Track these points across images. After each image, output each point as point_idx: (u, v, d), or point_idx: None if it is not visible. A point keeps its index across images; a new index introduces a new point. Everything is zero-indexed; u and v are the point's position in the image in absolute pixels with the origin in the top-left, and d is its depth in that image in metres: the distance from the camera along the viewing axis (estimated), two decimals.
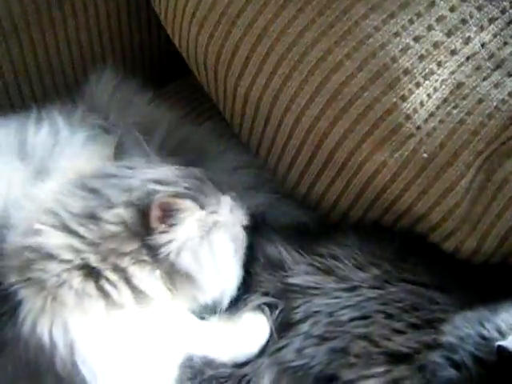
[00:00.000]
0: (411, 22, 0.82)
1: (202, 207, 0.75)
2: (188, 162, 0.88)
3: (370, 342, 0.74)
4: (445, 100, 0.82)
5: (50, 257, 0.70)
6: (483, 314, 0.73)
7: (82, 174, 0.78)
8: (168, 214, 0.71)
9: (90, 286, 0.70)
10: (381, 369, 0.72)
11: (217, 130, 1.00)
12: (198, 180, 0.78)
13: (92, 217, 0.71)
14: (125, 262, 0.70)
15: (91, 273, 0.70)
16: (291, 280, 0.80)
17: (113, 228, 0.71)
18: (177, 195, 0.73)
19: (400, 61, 0.81)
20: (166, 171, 0.78)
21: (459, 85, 0.83)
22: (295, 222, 0.90)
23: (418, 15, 0.82)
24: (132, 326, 0.71)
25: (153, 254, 0.71)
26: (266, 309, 0.79)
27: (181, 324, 0.75)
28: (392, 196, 0.85)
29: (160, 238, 0.71)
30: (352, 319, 0.76)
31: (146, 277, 0.71)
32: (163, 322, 0.73)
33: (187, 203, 0.73)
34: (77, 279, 0.69)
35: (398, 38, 0.82)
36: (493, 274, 0.83)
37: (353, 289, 0.79)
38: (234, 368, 0.75)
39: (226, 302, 0.78)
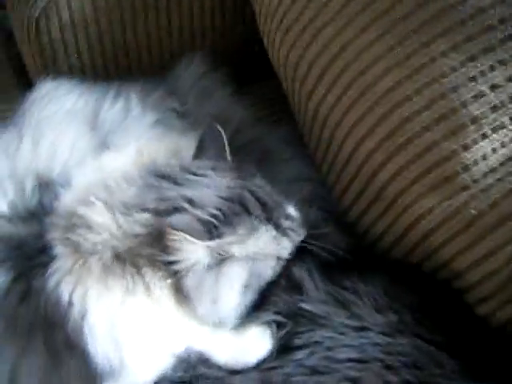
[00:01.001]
0: (492, 68, 0.81)
1: (218, 237, 0.78)
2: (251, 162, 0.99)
3: None
4: (510, 158, 0.83)
5: (91, 229, 0.79)
6: None
7: (146, 159, 0.87)
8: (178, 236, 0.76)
9: (117, 266, 0.79)
10: None
11: (289, 136, 1.05)
12: (240, 202, 0.81)
13: (133, 210, 0.80)
14: (141, 262, 0.78)
15: (119, 257, 0.79)
16: (304, 305, 0.83)
17: (138, 229, 0.78)
18: (191, 223, 0.77)
19: (470, 107, 0.81)
20: (213, 188, 0.82)
21: None
22: (332, 247, 0.96)
23: (501, 63, 0.81)
24: (141, 313, 0.79)
25: (166, 265, 0.78)
26: (274, 326, 0.83)
27: (184, 322, 0.81)
28: (433, 245, 0.86)
29: (170, 256, 0.77)
30: (349, 360, 0.78)
31: (157, 281, 0.78)
32: (170, 313, 0.80)
33: (184, 238, 0.76)
34: (107, 254, 0.78)
35: (473, 83, 0.81)
36: None
37: (362, 329, 0.81)
38: (225, 373, 0.81)
39: (227, 327, 0.83)
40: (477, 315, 0.86)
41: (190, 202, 0.80)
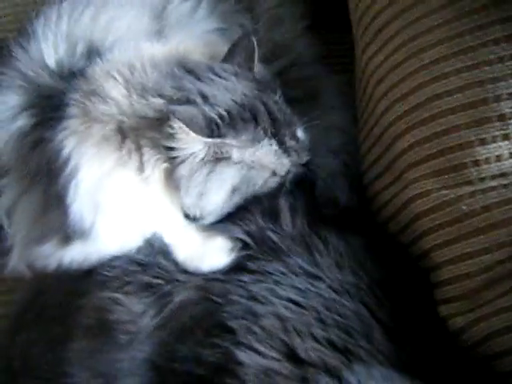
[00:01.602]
0: None
1: (218, 136, 0.84)
2: (295, 98, 1.04)
3: (283, 327, 0.80)
4: None
5: (104, 99, 0.87)
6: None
7: (181, 54, 0.94)
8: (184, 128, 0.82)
9: (116, 138, 0.86)
10: (276, 354, 0.79)
11: (343, 85, 1.07)
12: (251, 110, 0.87)
13: (149, 93, 0.87)
14: (143, 142, 0.85)
15: (121, 132, 0.86)
16: (272, 235, 0.87)
17: (149, 112, 0.85)
18: (196, 117, 0.83)
19: (502, 103, 0.79)
20: (230, 91, 0.88)
21: None
22: (339, 201, 0.97)
23: None
24: (125, 187, 0.87)
25: (166, 150, 0.85)
26: (239, 244, 0.89)
27: (164, 208, 0.90)
28: (420, 230, 0.86)
29: (171, 142, 0.84)
30: (288, 299, 0.82)
31: (153, 162, 0.85)
32: (152, 196, 0.88)
33: (184, 129, 0.82)
34: (111, 126, 0.86)
35: None
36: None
37: (315, 277, 0.84)
38: (176, 269, 0.88)
39: (206, 222, 0.91)
40: (438, 315, 0.85)
41: (204, 97, 0.86)
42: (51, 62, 0.96)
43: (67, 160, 0.87)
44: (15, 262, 0.97)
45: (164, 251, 0.90)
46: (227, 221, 0.91)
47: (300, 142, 0.92)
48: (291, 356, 0.78)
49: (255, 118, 0.88)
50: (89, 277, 0.91)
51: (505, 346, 0.79)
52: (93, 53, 0.96)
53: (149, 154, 0.86)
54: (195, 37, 1.00)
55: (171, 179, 0.87)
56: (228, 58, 0.94)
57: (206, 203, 0.89)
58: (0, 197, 0.98)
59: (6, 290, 1.08)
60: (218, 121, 0.85)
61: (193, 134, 0.82)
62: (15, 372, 0.94)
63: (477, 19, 0.82)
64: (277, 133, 0.89)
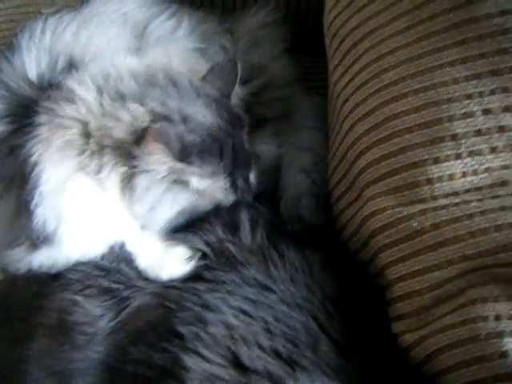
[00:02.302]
0: (492, 92, 0.80)
1: (186, 162, 0.86)
2: (269, 118, 1.06)
3: (230, 335, 0.82)
4: (478, 189, 0.80)
5: (73, 102, 0.91)
6: None
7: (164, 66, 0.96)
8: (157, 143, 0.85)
9: (79, 142, 0.89)
10: (221, 361, 0.80)
11: (318, 107, 1.10)
12: (220, 145, 0.90)
13: (128, 98, 0.90)
14: (107, 142, 0.87)
15: (86, 135, 0.89)
16: (230, 247, 0.90)
17: (125, 116, 0.88)
18: (173, 139, 0.85)
19: (455, 123, 0.81)
20: (208, 118, 0.90)
21: (503, 183, 0.80)
22: (304, 219, 1.00)
23: (504, 90, 0.79)
24: (85, 192, 0.89)
25: (129, 156, 0.87)
26: (198, 254, 0.91)
27: (122, 215, 0.92)
28: (375, 247, 0.88)
29: (138, 152, 0.86)
30: (239, 309, 0.83)
31: (111, 164, 0.88)
32: (111, 202, 0.90)
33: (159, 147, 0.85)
34: (75, 130, 0.89)
35: (468, 101, 0.81)
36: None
37: (268, 289, 0.85)
38: (136, 276, 0.90)
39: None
40: (390, 333, 0.86)
41: (184, 118, 0.89)
42: (32, 74, 1.00)
43: (34, 166, 0.91)
44: None
45: (126, 258, 0.93)
46: (187, 231, 0.94)
47: (249, 185, 0.96)
48: (236, 363, 0.80)
49: (221, 154, 0.91)
50: (54, 280, 0.93)
51: (448, 363, 0.79)
52: (73, 67, 1.00)
53: (109, 156, 0.88)
54: (174, 53, 1.04)
55: (127, 184, 0.89)
56: (209, 77, 0.96)
57: (154, 217, 0.91)
58: None
59: None
60: (191, 148, 0.87)
61: (164, 155, 0.86)
62: None
63: (436, 41, 0.85)
64: (233, 173, 0.92)
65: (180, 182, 0.90)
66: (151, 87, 0.92)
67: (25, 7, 1.32)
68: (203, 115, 0.91)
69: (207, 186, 0.92)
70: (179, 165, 0.87)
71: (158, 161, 0.87)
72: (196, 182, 0.90)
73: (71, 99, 0.92)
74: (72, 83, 0.94)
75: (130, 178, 0.89)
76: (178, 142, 0.86)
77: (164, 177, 0.89)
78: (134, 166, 0.88)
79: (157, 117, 0.89)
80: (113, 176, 0.89)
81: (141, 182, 0.89)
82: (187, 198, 0.92)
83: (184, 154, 0.86)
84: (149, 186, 0.89)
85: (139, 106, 0.89)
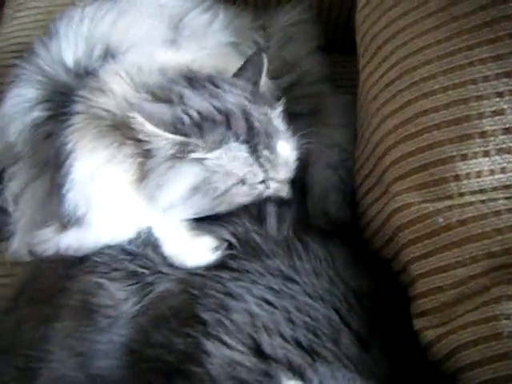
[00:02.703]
0: None
1: (183, 134, 0.86)
2: (299, 114, 1.08)
3: (252, 323, 0.82)
4: (506, 187, 0.80)
5: (106, 93, 0.93)
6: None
7: (193, 66, 0.98)
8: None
9: (110, 134, 0.91)
10: (242, 348, 0.81)
11: (347, 105, 1.10)
12: (226, 114, 0.89)
13: (143, 90, 0.92)
14: (128, 135, 0.89)
15: (115, 127, 0.91)
16: (256, 237, 0.91)
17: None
18: (163, 114, 0.87)
19: (484, 121, 0.81)
20: (213, 96, 0.90)
21: None
22: (330, 214, 1.00)
23: None
24: (114, 181, 0.91)
25: (139, 143, 0.89)
26: (225, 244, 0.92)
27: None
28: (400, 243, 0.88)
29: (140, 136, 0.87)
30: (261, 298, 0.84)
31: (131, 155, 0.90)
32: (135, 190, 0.91)
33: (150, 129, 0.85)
34: (107, 122, 0.91)
35: (497, 99, 0.81)
36: None
37: (291, 280, 0.86)
38: (161, 262, 0.92)
39: (170, 217, 0.94)
40: (411, 329, 0.86)
41: (181, 97, 0.89)
42: (69, 60, 1.03)
43: (69, 153, 0.93)
44: (16, 247, 1.03)
45: (153, 244, 0.95)
46: (215, 222, 0.95)
47: (279, 155, 0.92)
48: (257, 350, 0.81)
49: (228, 122, 0.89)
50: (80, 262, 0.95)
51: (470, 360, 0.79)
52: (109, 55, 1.02)
53: (129, 148, 0.90)
54: (208, 48, 1.06)
55: (142, 172, 0.91)
56: (238, 73, 0.98)
57: (163, 195, 0.91)
58: (10, 182, 1.04)
59: (5, 274, 1.12)
60: (185, 119, 0.87)
61: (153, 129, 0.85)
62: (2, 348, 0.98)
63: (467, 39, 0.85)
64: (250, 140, 0.90)
65: (183, 157, 0.89)
66: (165, 79, 0.94)
67: None
68: (208, 95, 0.91)
69: (217, 157, 0.89)
70: (177, 138, 0.87)
71: (153, 137, 0.87)
72: (201, 154, 0.88)
73: (104, 90, 0.94)
74: (106, 74, 0.96)
75: (143, 165, 0.90)
76: (168, 115, 0.87)
77: (166, 154, 0.88)
78: (145, 152, 0.89)
79: (156, 101, 0.90)
80: (133, 167, 0.91)
81: (149, 165, 0.89)
82: (195, 174, 0.90)
83: (175, 125, 0.87)
84: (155, 166, 0.89)
85: (147, 95, 0.91)
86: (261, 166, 0.91)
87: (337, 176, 1.04)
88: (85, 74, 1.01)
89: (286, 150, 0.93)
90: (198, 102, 0.89)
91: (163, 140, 0.87)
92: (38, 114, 1.01)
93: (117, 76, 0.95)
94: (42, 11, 1.35)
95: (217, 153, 0.89)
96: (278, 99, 0.98)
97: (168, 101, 0.89)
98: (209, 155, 0.88)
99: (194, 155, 0.88)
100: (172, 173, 0.89)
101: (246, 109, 0.90)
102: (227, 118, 0.89)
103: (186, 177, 0.89)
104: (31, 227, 1.01)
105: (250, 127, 0.90)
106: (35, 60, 1.04)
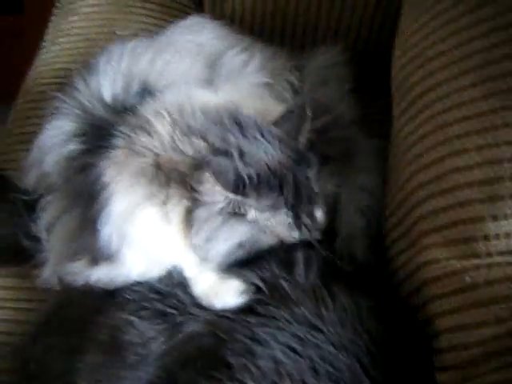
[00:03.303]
0: None
1: (242, 194, 0.90)
2: (330, 157, 1.09)
3: (277, 370, 0.84)
4: None
5: (149, 133, 0.96)
6: None
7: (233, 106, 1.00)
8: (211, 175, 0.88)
9: (151, 172, 0.94)
10: None
11: (378, 149, 1.11)
12: (279, 179, 0.92)
13: (194, 134, 0.94)
14: (174, 175, 0.92)
15: (157, 166, 0.93)
16: (285, 284, 0.92)
17: (189, 150, 0.93)
18: (227, 171, 0.89)
19: None
20: (268, 155, 0.93)
21: None
22: (356, 259, 1.01)
23: None
24: (151, 218, 0.94)
25: (191, 189, 0.91)
26: (252, 288, 0.94)
27: (183, 244, 0.95)
28: (428, 295, 0.90)
29: (198, 185, 0.90)
30: (286, 345, 0.86)
31: (177, 197, 0.92)
32: (172, 231, 0.94)
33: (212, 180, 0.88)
34: (149, 160, 0.94)
35: None
36: None
37: (317, 329, 0.88)
38: (190, 302, 0.94)
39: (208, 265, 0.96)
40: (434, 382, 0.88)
41: (241, 153, 0.92)
42: (107, 95, 1.06)
43: (105, 187, 0.96)
44: (48, 275, 1.07)
45: (183, 284, 0.97)
46: (244, 266, 0.97)
47: (315, 221, 0.98)
48: None
49: (281, 187, 0.93)
50: (110, 297, 0.98)
51: None
52: (146, 92, 1.05)
53: (175, 189, 0.93)
54: (244, 89, 1.08)
55: (188, 218, 0.93)
56: (280, 121, 1.00)
57: (211, 248, 0.94)
58: (44, 212, 1.07)
59: (35, 298, 1.16)
60: (246, 180, 0.91)
61: (219, 187, 0.89)
62: (30, 374, 1.02)
63: (503, 100, 0.87)
64: (296, 207, 0.95)
65: (237, 215, 0.93)
66: (216, 124, 0.96)
67: (101, 27, 1.39)
68: (263, 153, 0.94)
69: (267, 220, 0.94)
70: (236, 197, 0.91)
71: (214, 193, 0.90)
72: (254, 214, 0.93)
73: (147, 130, 0.97)
74: (149, 114, 0.99)
75: (191, 211, 0.93)
76: (232, 174, 0.90)
77: (221, 209, 0.92)
78: (195, 199, 0.92)
79: (216, 152, 0.93)
80: (177, 209, 0.94)
81: (199, 214, 0.92)
82: (246, 232, 0.94)
83: (239, 186, 0.90)
84: (207, 218, 0.93)
85: (202, 141, 0.94)
86: (300, 230, 0.96)
87: (364, 220, 1.06)
88: (122, 110, 1.04)
89: (321, 215, 0.99)
90: (255, 160, 0.93)
91: (223, 197, 0.90)
92: (74, 146, 1.05)
93: (159, 116, 0.98)
94: (83, 39, 1.39)
95: (267, 215, 0.94)
96: (312, 142, 1.00)
97: (227, 153, 0.92)
98: (260, 216, 0.93)
99: (248, 215, 0.93)
100: (224, 229, 0.93)
101: (294, 173, 0.94)
102: (280, 183, 0.93)
103: (235, 234, 0.94)
104: (62, 258, 1.04)
105: (297, 194, 0.94)
106: (75, 94, 1.08)
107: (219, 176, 0.89)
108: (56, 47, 1.41)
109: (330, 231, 1.03)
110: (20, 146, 1.29)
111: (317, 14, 1.29)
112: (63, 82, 1.28)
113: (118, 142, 0.98)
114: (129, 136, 0.98)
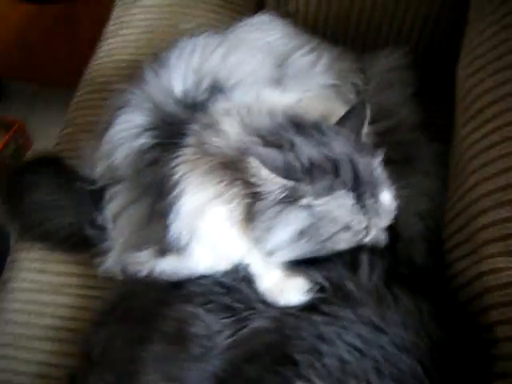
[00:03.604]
0: None
1: (295, 180, 0.90)
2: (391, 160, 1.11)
3: (342, 369, 0.87)
4: None
5: (218, 133, 0.98)
6: None
7: (299, 108, 1.03)
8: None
9: (219, 172, 0.95)
10: None
11: (439, 154, 1.15)
12: (334, 162, 0.92)
13: (253, 133, 0.97)
14: (237, 175, 0.93)
15: (225, 166, 0.95)
16: (350, 285, 0.95)
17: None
18: (276, 159, 0.91)
19: None
20: (322, 145, 0.94)
21: None
22: (416, 262, 1.05)
23: None
24: (218, 216, 0.96)
25: (249, 185, 0.93)
26: (316, 287, 0.96)
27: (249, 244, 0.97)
28: (488, 303, 0.93)
29: (252, 178, 0.91)
30: (351, 345, 0.89)
31: (240, 196, 0.94)
32: (237, 228, 0.96)
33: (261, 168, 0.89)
34: (217, 160, 0.96)
35: None
36: None
37: (380, 330, 0.90)
38: (255, 298, 0.97)
39: (276, 259, 0.98)
40: None
41: (292, 145, 0.93)
42: (178, 90, 1.09)
43: (176, 184, 0.99)
44: (110, 263, 1.11)
45: (248, 279, 1.00)
46: (310, 265, 1.00)
47: (382, 203, 0.96)
48: None
49: (336, 170, 0.93)
50: (175, 289, 1.02)
51: None
52: (216, 89, 1.08)
53: (238, 187, 0.95)
54: (311, 90, 1.11)
55: (250, 214, 0.95)
56: (341, 122, 1.01)
57: (271, 239, 0.95)
58: (110, 202, 1.11)
59: (95, 286, 1.21)
60: (297, 165, 0.92)
61: (268, 173, 0.90)
62: (93, 360, 1.07)
63: None
64: (356, 188, 0.94)
65: (293, 202, 0.93)
66: (274, 123, 0.99)
67: (164, 20, 1.42)
68: (317, 144, 0.95)
69: (325, 204, 0.93)
70: (288, 183, 0.91)
71: (266, 181, 0.91)
72: (310, 199, 0.93)
73: (217, 130, 0.99)
74: (219, 113, 1.02)
75: (251, 206, 0.95)
76: (281, 160, 0.92)
77: (276, 198, 0.93)
78: (254, 194, 0.94)
79: (266, 144, 0.95)
80: (240, 207, 0.96)
81: (258, 207, 0.94)
82: (304, 218, 0.94)
83: (288, 170, 0.91)
84: (265, 209, 0.94)
85: (255, 138, 0.96)
86: (365, 213, 0.95)
87: (423, 224, 1.09)
88: (192, 106, 1.08)
89: (388, 198, 0.97)
90: (307, 150, 0.93)
91: (275, 184, 0.91)
92: (144, 140, 1.08)
93: (228, 115, 1.00)
94: (144, 31, 1.42)
95: (325, 199, 0.93)
96: (375, 144, 1.02)
97: (279, 146, 0.94)
98: (317, 201, 0.93)
99: (303, 201, 0.92)
100: (281, 217, 0.93)
101: (352, 158, 0.94)
102: (335, 166, 0.93)
103: (294, 221, 0.94)
104: (127, 248, 1.08)
105: (356, 176, 0.93)
106: (145, 87, 1.11)
107: (266, 162, 0.90)
108: (118, 39, 1.45)
109: (390, 234, 1.06)
110: (82, 136, 1.34)
111: (381, 15, 1.31)
112: (126, 74, 1.31)
113: (190, 140, 1.01)
114: (199, 134, 1.00)
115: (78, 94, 1.45)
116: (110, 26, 1.49)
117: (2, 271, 1.94)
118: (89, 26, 2.01)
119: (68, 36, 2.15)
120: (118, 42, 1.44)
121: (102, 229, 1.13)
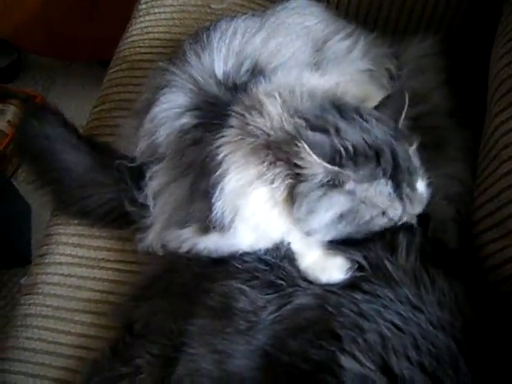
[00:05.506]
0: None
1: (339, 165, 0.97)
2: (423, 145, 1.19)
3: (383, 344, 0.96)
4: None
5: (262, 115, 1.04)
6: None
7: (337, 91, 1.10)
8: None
9: (262, 152, 1.02)
10: (372, 366, 0.95)
11: (470, 140, 1.22)
12: (376, 150, 1.00)
13: (297, 114, 1.03)
14: (280, 155, 1.00)
15: (267, 147, 1.02)
16: (388, 265, 1.04)
17: (292, 130, 1.01)
18: (323, 144, 0.98)
19: None
20: (364, 131, 1.01)
21: None
22: (448, 244, 1.12)
23: None
24: (261, 195, 1.03)
25: (294, 166, 1.00)
26: (356, 265, 1.05)
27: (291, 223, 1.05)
28: None
29: (298, 160, 0.98)
30: (391, 322, 0.98)
31: (282, 176, 1.01)
32: (279, 207, 1.04)
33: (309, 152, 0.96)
34: (260, 141, 1.03)
35: None
36: None
37: (417, 309, 0.99)
38: (297, 275, 1.06)
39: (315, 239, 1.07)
40: None
41: (337, 130, 1.01)
42: (219, 72, 1.16)
43: (219, 164, 1.06)
44: (151, 240, 1.18)
45: (290, 257, 1.09)
46: (350, 245, 1.09)
47: (417, 192, 1.04)
48: (386, 370, 0.95)
49: (378, 158, 1.01)
50: (218, 265, 1.11)
51: None
52: (256, 71, 1.15)
53: (281, 168, 1.02)
54: (348, 74, 1.18)
55: (292, 195, 1.03)
56: (380, 107, 1.08)
57: (312, 220, 1.03)
58: (151, 180, 1.18)
59: (132, 260, 1.28)
60: (342, 152, 1.00)
61: (315, 158, 0.97)
62: (135, 333, 1.15)
63: None
64: (395, 177, 1.02)
65: (336, 186, 1.01)
66: (319, 108, 1.06)
67: (196, 0, 1.47)
68: (359, 129, 1.03)
69: (366, 190, 1.01)
70: (333, 168, 0.98)
71: (312, 165, 0.99)
72: (352, 185, 1.00)
73: (260, 111, 1.06)
74: (261, 94, 1.08)
75: (294, 187, 1.02)
76: (327, 146, 0.99)
77: (320, 181, 1.00)
78: (297, 175, 1.01)
79: (313, 128, 1.01)
80: (282, 187, 1.03)
81: (301, 189, 1.01)
82: (345, 203, 1.02)
83: (334, 157, 0.99)
84: (307, 191, 1.01)
85: (302, 121, 1.03)
86: (401, 201, 1.03)
87: (454, 208, 1.17)
88: (233, 87, 1.15)
89: (423, 187, 1.06)
90: (352, 136, 1.01)
91: (321, 168, 0.98)
92: (186, 120, 1.15)
93: (271, 97, 1.07)
94: (177, 10, 1.49)
95: (366, 186, 1.01)
96: (408, 128, 1.10)
97: (325, 131, 1.01)
98: (358, 187, 1.01)
99: (346, 186, 1.00)
100: (324, 200, 1.01)
101: (392, 146, 1.02)
102: (377, 154, 1.01)
103: (335, 205, 1.01)
104: (168, 224, 1.15)
105: (396, 164, 1.01)
106: (187, 68, 1.18)
107: (315, 147, 0.97)
108: (151, 17, 1.51)
109: (423, 217, 1.14)
110: (117, 113, 1.40)
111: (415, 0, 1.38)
112: (159, 52, 1.38)
113: (233, 121, 1.07)
114: (242, 116, 1.07)
115: (112, 71, 1.51)
116: (142, 5, 1.54)
117: (28, 242, 2.08)
118: (111, 4, 2.09)
119: (90, 13, 2.19)
120: (151, 20, 1.50)
121: (143, 206, 1.20)
